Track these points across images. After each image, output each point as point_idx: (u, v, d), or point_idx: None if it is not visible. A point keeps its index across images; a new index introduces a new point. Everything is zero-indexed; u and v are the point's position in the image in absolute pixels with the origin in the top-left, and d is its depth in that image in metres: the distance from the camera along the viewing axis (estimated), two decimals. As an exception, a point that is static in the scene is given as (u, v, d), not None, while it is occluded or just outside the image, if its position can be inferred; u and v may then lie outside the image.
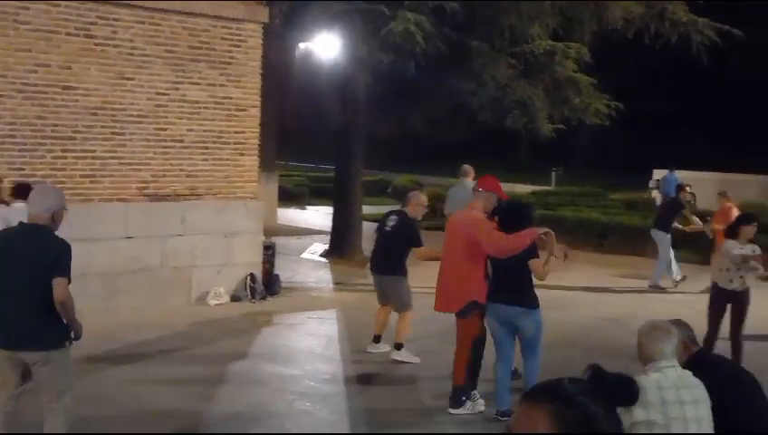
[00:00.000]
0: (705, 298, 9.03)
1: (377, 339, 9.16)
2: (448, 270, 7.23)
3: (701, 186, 23.32)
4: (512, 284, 6.91)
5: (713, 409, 4.17)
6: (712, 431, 4.16)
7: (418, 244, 8.74)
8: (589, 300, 12.89)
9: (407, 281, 8.94)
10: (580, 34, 15.26)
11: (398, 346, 8.87)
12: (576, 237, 18.51)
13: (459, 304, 7.15)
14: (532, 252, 6.84)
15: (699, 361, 4.68)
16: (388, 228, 8.95)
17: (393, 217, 9.02)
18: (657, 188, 26.04)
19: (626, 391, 1.93)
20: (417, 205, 8.97)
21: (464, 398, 7.24)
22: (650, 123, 43.80)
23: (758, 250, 8.60)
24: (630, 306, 12.21)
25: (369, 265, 9.61)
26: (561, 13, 14.40)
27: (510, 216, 7.08)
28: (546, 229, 7.02)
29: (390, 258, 8.86)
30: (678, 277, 13.77)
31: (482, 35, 14.23)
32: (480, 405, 7.27)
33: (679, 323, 4.97)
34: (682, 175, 23.84)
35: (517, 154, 46.20)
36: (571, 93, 15.61)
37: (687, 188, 14.96)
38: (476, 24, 14.16)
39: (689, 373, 4.27)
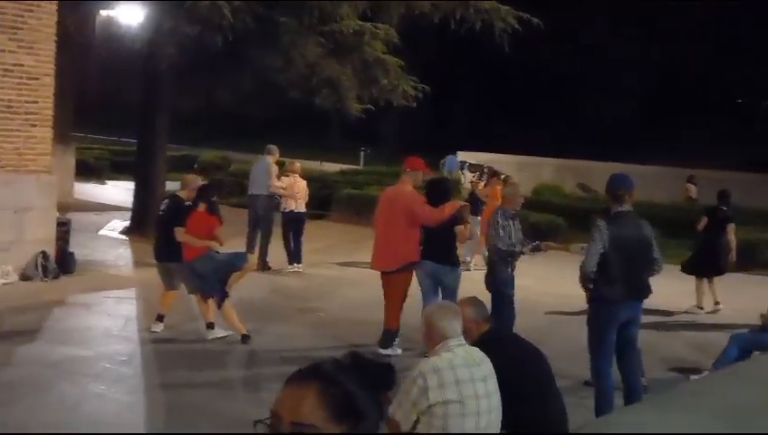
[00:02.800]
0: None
1: (160, 318, 8.87)
2: (387, 235, 8.34)
3: (501, 168, 24.30)
4: (440, 246, 8.26)
5: (499, 386, 4.35)
6: (500, 405, 4.33)
7: (179, 223, 8.57)
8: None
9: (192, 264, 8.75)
10: (389, 17, 15.47)
11: (210, 325, 8.70)
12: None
13: (398, 262, 8.28)
14: (456, 220, 8.22)
15: (489, 339, 4.85)
16: (160, 213, 8.92)
17: (166, 201, 9.04)
18: (463, 168, 26.94)
19: (384, 375, 2.02)
20: (193, 189, 8.90)
21: (394, 341, 8.40)
22: (456, 106, 45.29)
23: None
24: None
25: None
26: (369, -6, 14.55)
27: (436, 191, 8.52)
28: (463, 202, 8.79)
29: (168, 244, 8.69)
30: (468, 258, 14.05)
31: (291, 12, 14.11)
32: (398, 350, 8.41)
33: (473, 302, 5.14)
34: (486, 157, 24.74)
35: (327, 133, 46.43)
36: (379, 74, 15.81)
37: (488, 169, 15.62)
38: (285, 0, 14.02)
39: (477, 350, 4.42)
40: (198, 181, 9.17)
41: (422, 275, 8.36)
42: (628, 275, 6.45)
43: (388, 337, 8.48)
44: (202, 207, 8.64)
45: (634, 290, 6.55)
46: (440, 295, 8.24)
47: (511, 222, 8.36)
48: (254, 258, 9.86)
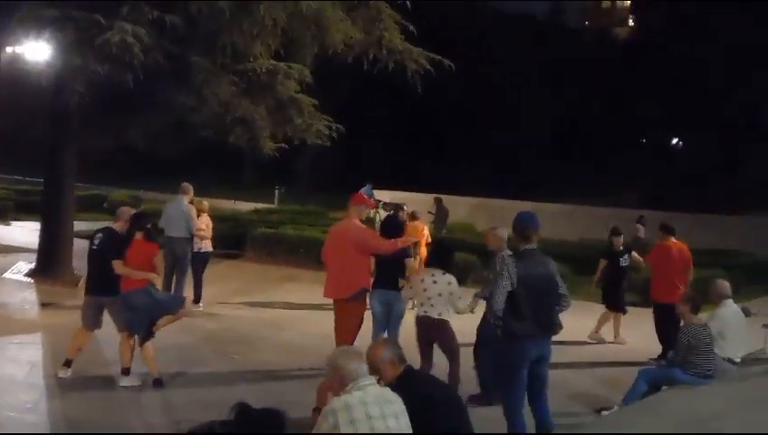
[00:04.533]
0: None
1: (68, 363, 8.64)
2: (340, 265, 8.54)
3: (415, 205, 24.53)
4: (391, 275, 9.04)
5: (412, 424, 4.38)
6: None
7: (115, 256, 8.48)
8: (311, 318, 13.04)
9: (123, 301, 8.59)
10: (302, 56, 15.53)
11: (126, 371, 8.52)
12: (297, 256, 18.80)
13: (352, 290, 8.48)
14: (405, 252, 9.11)
15: (405, 378, 4.88)
16: (94, 246, 8.69)
17: (99, 234, 8.80)
18: (378, 208, 27.12)
19: (273, 423, 2.01)
20: (127, 221, 8.79)
21: None
22: (370, 144, 45.59)
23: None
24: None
25: (84, 286, 9.10)
26: (283, 33, 14.54)
27: (391, 226, 9.52)
28: (414, 239, 9.98)
29: (105, 278, 8.50)
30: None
31: (204, 51, 14.03)
32: None
33: (388, 343, 5.17)
34: (402, 196, 24.94)
35: (241, 172, 46.15)
36: (293, 113, 15.83)
37: (405, 208, 15.76)
38: (198, 39, 13.92)
39: (388, 389, 4.46)
40: (132, 212, 9.05)
41: (375, 304, 9.01)
42: (538, 312, 6.54)
43: None
44: (139, 235, 8.53)
45: (544, 326, 6.63)
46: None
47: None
48: (188, 304, 9.57)
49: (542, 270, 6.64)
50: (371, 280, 8.93)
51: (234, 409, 1.92)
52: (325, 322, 12.54)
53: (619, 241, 12.86)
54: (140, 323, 8.45)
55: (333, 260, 8.73)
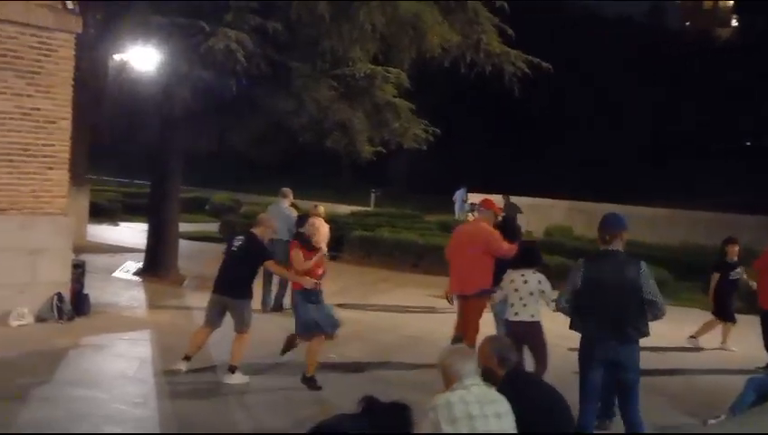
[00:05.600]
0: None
1: (187, 358, 8.87)
2: (466, 263, 9.51)
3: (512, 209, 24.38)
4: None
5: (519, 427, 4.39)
6: None
7: (267, 257, 9.01)
8: (404, 319, 13.14)
9: (250, 305, 8.97)
10: (400, 60, 15.64)
11: (233, 369, 8.72)
12: (393, 258, 18.93)
13: (477, 287, 9.44)
14: None
15: (510, 379, 4.90)
16: (234, 249, 8.91)
17: (241, 237, 9.08)
18: (473, 211, 27.10)
19: (399, 417, 2.06)
20: (268, 227, 9.24)
21: None
22: (466, 147, 45.47)
23: None
24: (442, 324, 12.54)
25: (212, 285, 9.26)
26: (381, 38, 14.70)
27: (510, 230, 10.09)
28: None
29: (236, 280, 8.80)
30: None
31: (303, 56, 14.30)
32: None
33: (495, 342, 5.21)
34: (497, 199, 24.79)
35: (338, 175, 46.67)
36: (390, 117, 15.95)
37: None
38: (298, 45, 14.20)
39: (493, 390, 4.48)
40: (273, 222, 9.52)
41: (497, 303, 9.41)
42: (602, 314, 6.45)
43: None
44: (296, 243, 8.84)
45: (610, 330, 6.46)
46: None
47: None
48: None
49: (614, 273, 6.47)
50: (491, 280, 9.47)
51: (361, 402, 1.99)
52: (420, 324, 12.73)
53: (734, 250, 12.19)
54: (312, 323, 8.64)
55: (460, 259, 9.67)
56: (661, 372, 10.13)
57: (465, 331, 9.45)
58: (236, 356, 8.78)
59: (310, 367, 8.70)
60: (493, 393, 4.44)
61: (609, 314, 6.46)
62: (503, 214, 10.88)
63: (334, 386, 8.70)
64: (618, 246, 6.59)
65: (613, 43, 50.92)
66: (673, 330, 11.70)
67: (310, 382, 8.62)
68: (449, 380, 4.46)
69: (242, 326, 8.85)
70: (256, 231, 9.08)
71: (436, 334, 11.73)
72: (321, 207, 13.61)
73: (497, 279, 9.37)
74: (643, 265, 6.57)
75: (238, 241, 8.99)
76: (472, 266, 9.51)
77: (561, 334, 9.13)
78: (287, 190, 13.41)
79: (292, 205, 13.48)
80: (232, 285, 8.84)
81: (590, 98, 48.06)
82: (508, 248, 9.41)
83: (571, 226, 25.65)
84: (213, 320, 8.98)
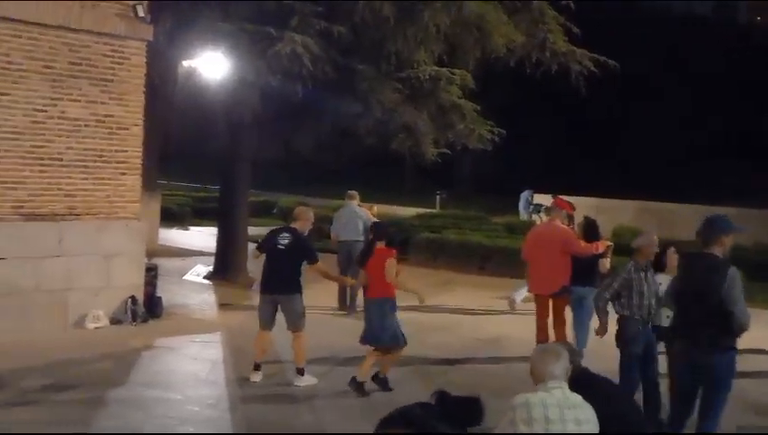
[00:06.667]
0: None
1: (258, 367, 8.86)
2: (544, 263, 9.83)
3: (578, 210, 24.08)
4: (583, 273, 9.76)
5: None
6: None
7: (314, 259, 8.88)
8: (469, 321, 13.08)
9: (302, 299, 8.85)
10: (465, 61, 15.60)
11: (300, 371, 8.76)
12: (459, 260, 18.85)
13: (556, 287, 9.80)
14: (601, 255, 9.91)
15: (577, 381, 4.82)
16: (281, 246, 8.82)
17: (285, 233, 8.93)
18: (539, 212, 26.88)
19: (470, 410, 2.06)
20: (306, 220, 9.06)
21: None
22: (531, 148, 45.07)
23: None
24: (508, 327, 12.46)
25: (259, 285, 9.32)
26: (445, 39, 14.68)
27: (591, 230, 10.13)
28: (609, 243, 10.23)
29: (286, 276, 8.76)
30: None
31: (368, 59, 14.36)
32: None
33: (561, 345, 5.15)
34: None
35: (403, 177, 46.74)
36: (455, 119, 15.90)
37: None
38: (363, 48, 14.28)
39: (578, 396, 4.39)
40: (310, 214, 9.28)
41: (573, 299, 9.87)
42: (685, 320, 6.48)
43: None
44: (381, 244, 8.72)
45: (690, 336, 6.39)
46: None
47: (642, 274, 7.84)
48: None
49: (699, 277, 6.35)
50: (569, 278, 9.82)
51: (434, 395, 2.01)
52: (484, 327, 12.65)
53: None
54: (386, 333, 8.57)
55: (538, 259, 9.99)
56: (739, 375, 9.86)
57: (555, 329, 9.88)
58: (300, 357, 8.80)
59: (384, 368, 8.71)
60: (576, 399, 4.36)
61: (690, 320, 6.37)
62: (572, 212, 10.90)
63: (405, 388, 8.71)
64: (715, 249, 6.37)
65: (684, 40, 49.95)
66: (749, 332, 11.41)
67: (382, 383, 8.63)
68: (537, 379, 4.42)
69: (295, 324, 8.80)
70: (296, 225, 8.98)
71: (506, 337, 11.68)
72: (375, 208, 13.84)
73: (576, 277, 9.70)
74: (731, 272, 6.27)
75: (284, 238, 8.86)
76: (550, 266, 9.83)
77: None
78: (353, 192, 13.68)
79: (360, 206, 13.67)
80: (281, 282, 8.77)
81: (659, 94, 47.19)
82: (585, 247, 9.71)
83: (641, 226, 25.21)
84: (267, 320, 8.92)
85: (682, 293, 6.40)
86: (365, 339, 8.67)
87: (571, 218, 10.82)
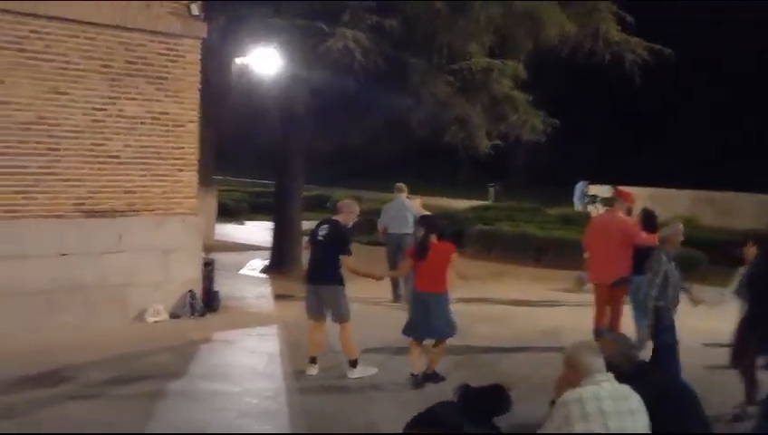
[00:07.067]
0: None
1: (313, 360, 8.94)
2: (604, 253, 9.96)
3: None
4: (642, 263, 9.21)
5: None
6: None
7: (346, 252, 8.78)
8: (525, 313, 13.03)
9: (343, 290, 8.87)
10: (516, 52, 15.49)
11: (353, 363, 8.81)
12: (514, 252, 18.77)
13: (615, 276, 9.85)
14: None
15: (636, 374, 4.79)
16: (320, 237, 8.89)
17: (325, 226, 9.00)
18: (594, 202, 26.62)
19: (496, 400, 2.07)
20: (350, 213, 9.03)
21: None
22: (585, 138, 44.58)
23: None
24: (564, 318, 12.39)
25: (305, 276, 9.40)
26: (497, 31, 14.59)
27: (650, 220, 10.07)
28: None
29: (325, 267, 8.81)
30: None
31: (420, 52, 14.34)
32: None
33: (619, 338, 5.11)
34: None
35: (455, 170, 46.58)
36: (508, 110, 15.80)
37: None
38: (415, 41, 14.26)
39: (626, 386, 4.37)
40: (355, 206, 9.22)
41: (631, 289, 9.73)
42: (754, 307, 6.44)
43: None
44: (434, 237, 8.65)
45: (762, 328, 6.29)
46: None
47: (672, 265, 8.03)
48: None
49: (756, 268, 6.35)
50: (630, 268, 9.77)
51: (457, 390, 2.04)
52: (540, 318, 12.58)
53: None
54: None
55: (598, 249, 10.14)
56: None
57: (611, 319, 10.00)
58: (349, 349, 8.83)
59: (433, 364, 8.73)
60: (625, 389, 4.33)
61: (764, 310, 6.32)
62: (632, 204, 10.85)
63: (457, 379, 8.69)
64: None
65: (741, 28, 48.85)
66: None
67: (433, 377, 8.65)
68: (577, 375, 4.37)
69: (339, 316, 8.84)
70: (339, 218, 8.99)
71: (561, 328, 11.62)
72: (419, 200, 13.90)
73: (635, 267, 9.56)
74: None
75: (323, 229, 8.91)
76: (610, 256, 9.90)
77: (695, 328, 8.92)
78: (401, 185, 13.77)
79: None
80: (321, 273, 8.82)
81: (715, 84, 46.28)
82: (646, 237, 9.66)
83: (697, 216, 24.82)
84: (315, 311, 8.96)
85: (755, 282, 6.32)
86: (414, 331, 8.64)
87: (629, 210, 10.79)
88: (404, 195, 13.68)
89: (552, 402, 4.47)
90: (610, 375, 4.39)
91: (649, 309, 7.87)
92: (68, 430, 6.84)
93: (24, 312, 10.01)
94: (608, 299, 10.10)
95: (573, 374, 4.39)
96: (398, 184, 13.90)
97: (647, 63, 15.52)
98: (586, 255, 10.89)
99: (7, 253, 10.00)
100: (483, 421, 1.85)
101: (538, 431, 4.32)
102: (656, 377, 5.16)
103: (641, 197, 24.20)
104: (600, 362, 4.38)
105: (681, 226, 8.54)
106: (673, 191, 27.94)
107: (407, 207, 13.39)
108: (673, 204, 25.76)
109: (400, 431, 4.28)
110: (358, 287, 9.56)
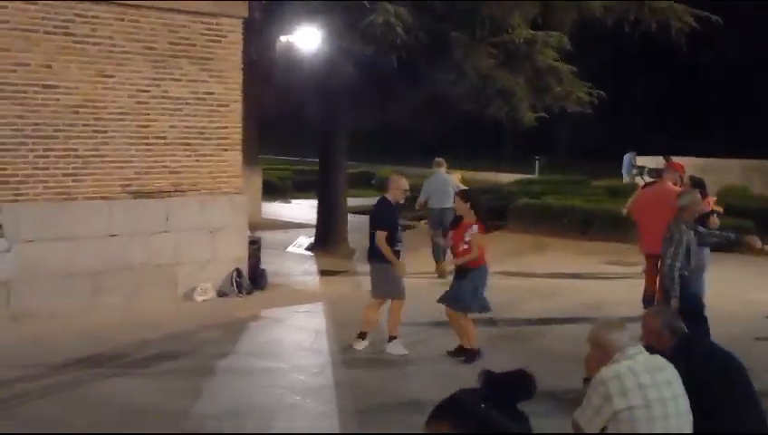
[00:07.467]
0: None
1: (362, 335, 8.96)
2: (654, 223, 9.59)
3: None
4: None
5: (691, 393, 4.23)
6: (689, 409, 4.22)
7: (376, 227, 8.71)
8: (572, 286, 12.94)
9: (386, 267, 8.73)
10: (560, 23, 15.30)
11: (390, 338, 8.84)
12: (561, 225, 18.62)
13: None
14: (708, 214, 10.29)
15: (682, 347, 4.74)
16: (370, 215, 9.05)
17: (375, 203, 9.09)
18: (642, 174, 26.29)
19: (521, 384, 2.05)
20: (398, 189, 8.95)
21: None
22: (632, 109, 43.96)
23: None
24: (612, 292, 12.28)
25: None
26: (540, 2, 14.42)
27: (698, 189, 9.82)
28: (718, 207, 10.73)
29: (370, 245, 8.86)
30: None
31: (462, 26, 14.23)
32: None
33: (664, 311, 5.06)
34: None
35: (500, 144, 46.27)
36: (552, 82, 15.61)
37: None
38: (457, 14, 14.16)
39: (658, 356, 4.33)
40: (402, 181, 9.09)
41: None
42: None
43: None
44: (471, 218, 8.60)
45: None
46: None
47: (692, 233, 7.98)
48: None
49: None
50: None
51: (480, 376, 2.04)
52: (587, 291, 12.46)
53: None
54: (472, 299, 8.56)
55: (649, 219, 10.21)
56: None
57: (659, 289, 9.67)
58: (391, 326, 8.84)
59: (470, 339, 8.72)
60: (659, 360, 4.30)
61: None
62: (682, 174, 10.95)
63: (501, 354, 8.71)
64: None
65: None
66: None
67: (469, 355, 8.62)
68: (606, 353, 4.31)
69: (381, 292, 8.86)
70: (388, 195, 8.94)
71: (609, 302, 11.51)
72: (458, 174, 13.94)
73: None
74: None
75: (373, 207, 9.04)
76: (661, 226, 9.55)
77: (749, 299, 8.78)
78: (441, 160, 13.90)
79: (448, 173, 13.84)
80: (369, 250, 8.88)
81: (763, 50, 45.22)
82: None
83: (748, 185, 24.35)
84: (371, 289, 9.07)
85: None
86: (453, 301, 8.59)
87: (680, 180, 10.78)
88: (443, 169, 13.74)
89: (585, 380, 4.45)
90: (641, 347, 4.36)
91: (676, 280, 7.72)
92: (116, 409, 6.97)
93: (74, 292, 10.21)
94: (657, 270, 9.95)
95: (602, 353, 4.34)
96: (437, 159, 13.97)
97: (695, 31, 15.22)
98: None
99: (58, 235, 10.20)
100: (507, 407, 1.85)
101: (576, 413, 4.30)
102: (700, 347, 5.10)
103: (692, 167, 23.86)
104: (626, 336, 4.34)
105: (699, 194, 8.68)
106: (723, 161, 27.44)
107: (447, 182, 13.49)
108: (724, 174, 25.31)
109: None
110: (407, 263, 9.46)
